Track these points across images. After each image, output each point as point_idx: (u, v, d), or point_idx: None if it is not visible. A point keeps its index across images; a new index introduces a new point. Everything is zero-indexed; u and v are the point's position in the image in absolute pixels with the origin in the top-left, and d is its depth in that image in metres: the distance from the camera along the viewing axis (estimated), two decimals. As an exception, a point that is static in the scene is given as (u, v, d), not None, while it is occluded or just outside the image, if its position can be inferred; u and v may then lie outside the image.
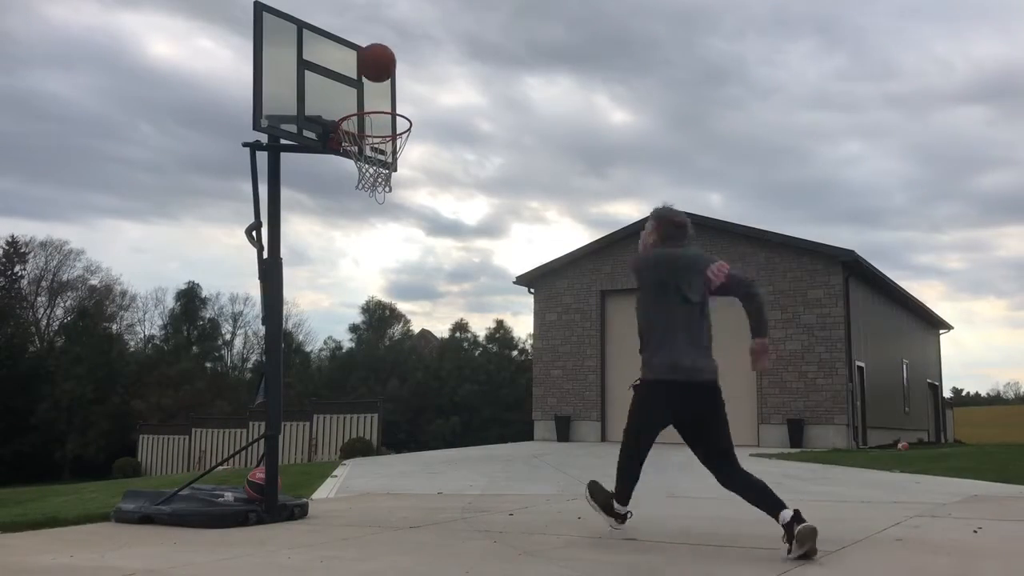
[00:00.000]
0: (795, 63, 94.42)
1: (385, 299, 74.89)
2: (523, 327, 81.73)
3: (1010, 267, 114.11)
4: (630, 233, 19.31)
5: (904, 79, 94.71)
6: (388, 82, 6.54)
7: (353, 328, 53.58)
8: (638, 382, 4.47)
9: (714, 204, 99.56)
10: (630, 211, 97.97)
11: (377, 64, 6.01)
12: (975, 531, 4.58)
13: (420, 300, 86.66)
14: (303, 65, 5.89)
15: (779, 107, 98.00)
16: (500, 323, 51.63)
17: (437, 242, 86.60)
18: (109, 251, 76.86)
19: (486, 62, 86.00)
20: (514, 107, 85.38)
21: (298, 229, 73.27)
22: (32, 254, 47.48)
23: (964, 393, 74.27)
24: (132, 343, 50.64)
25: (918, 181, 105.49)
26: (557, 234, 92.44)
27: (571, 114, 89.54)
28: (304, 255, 74.23)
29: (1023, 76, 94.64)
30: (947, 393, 37.70)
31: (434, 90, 79.91)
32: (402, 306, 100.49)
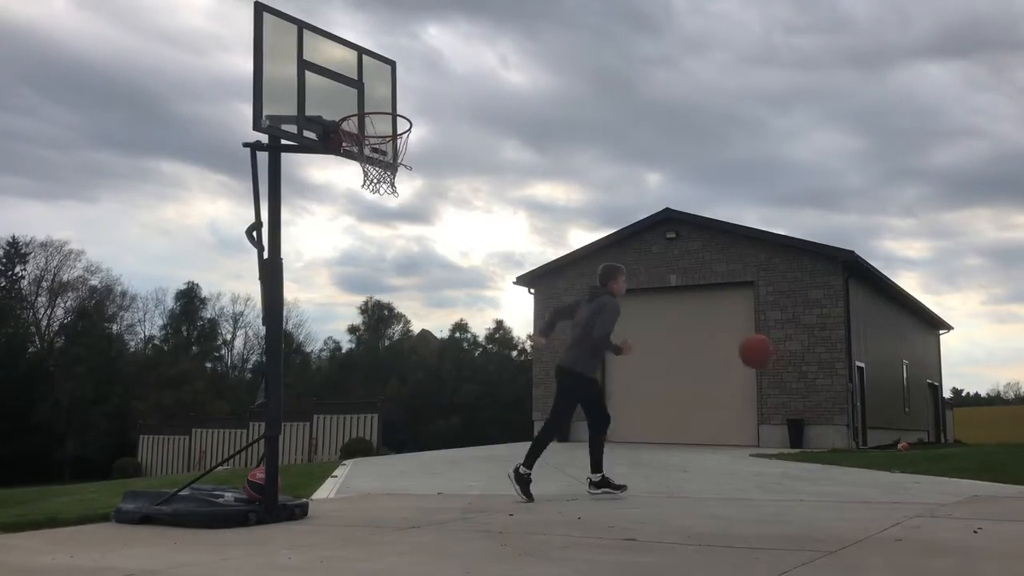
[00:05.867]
0: (734, 13, 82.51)
1: (332, 293, 73.77)
2: (480, 324, 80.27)
3: (984, 255, 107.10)
4: (631, 234, 19.35)
5: (858, 32, 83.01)
6: (389, 82, 6.56)
7: (352, 328, 53.69)
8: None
9: (652, 185, 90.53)
10: (567, 194, 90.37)
11: (757, 356, 6.88)
12: (975, 531, 4.58)
13: (370, 294, 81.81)
14: (303, 65, 5.90)
15: (717, 65, 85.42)
16: (500, 323, 51.87)
17: (372, 229, 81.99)
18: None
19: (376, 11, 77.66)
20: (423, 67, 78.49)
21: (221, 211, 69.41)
22: (32, 254, 47.53)
23: (964, 393, 74.29)
24: (132, 343, 50.70)
25: (875, 155, 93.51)
26: (492, 219, 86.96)
27: (479, 75, 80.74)
28: (238, 243, 71.59)
29: (991, 29, 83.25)
30: (947, 393, 37.70)
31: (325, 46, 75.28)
32: (350, 299, 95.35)
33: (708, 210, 75.09)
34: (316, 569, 3.85)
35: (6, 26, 63.00)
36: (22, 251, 47.07)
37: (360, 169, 6.05)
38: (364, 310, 54.17)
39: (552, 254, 77.66)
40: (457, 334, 51.48)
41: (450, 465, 11.45)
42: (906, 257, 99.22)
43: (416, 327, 57.39)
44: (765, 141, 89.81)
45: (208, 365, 49.44)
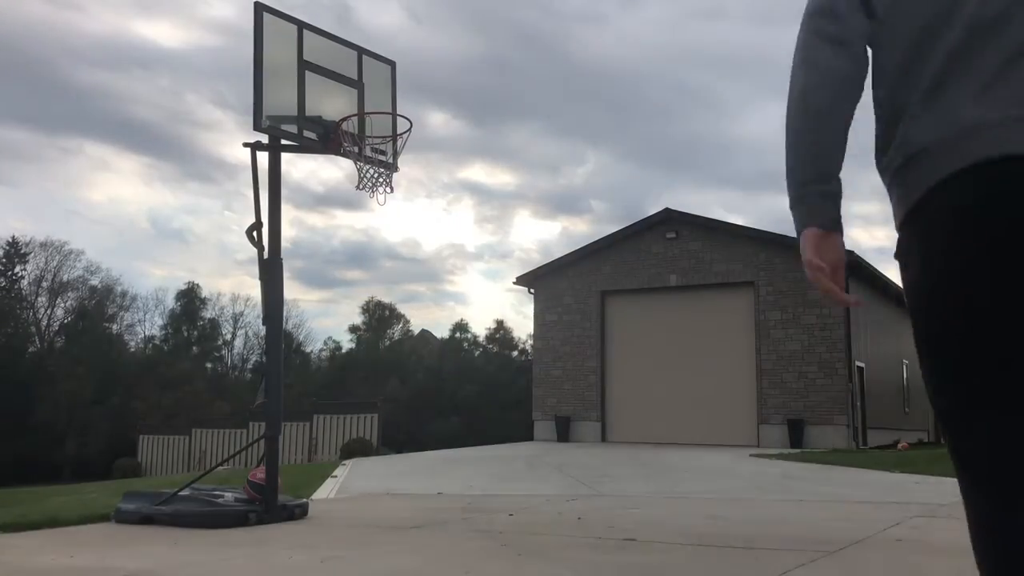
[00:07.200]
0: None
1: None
2: (446, 321, 75.83)
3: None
4: (631, 234, 19.34)
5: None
6: (389, 82, 6.56)
7: (353, 328, 53.71)
8: None
9: (581, 173, 78.31)
10: (508, 179, 78.60)
11: None
12: (975, 531, 4.57)
13: (322, 289, 75.56)
14: (303, 65, 5.90)
15: (652, 21, 73.01)
16: (500, 323, 51.90)
17: (310, 217, 73.15)
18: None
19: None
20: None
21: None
22: (32, 254, 47.52)
23: (964, 393, 74.03)
24: (132, 343, 50.65)
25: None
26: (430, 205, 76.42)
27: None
28: (179, 232, 68.19)
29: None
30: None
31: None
32: (307, 297, 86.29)
33: (662, 193, 70.20)
34: (316, 569, 3.85)
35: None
36: (22, 251, 47.06)
37: (357, 171, 6.05)
38: (365, 310, 54.22)
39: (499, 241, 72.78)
40: (457, 334, 51.51)
41: (450, 465, 11.45)
42: (881, 247, 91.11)
43: (416, 325, 57.35)
44: (708, 115, 77.50)
45: (208, 365, 49.43)
